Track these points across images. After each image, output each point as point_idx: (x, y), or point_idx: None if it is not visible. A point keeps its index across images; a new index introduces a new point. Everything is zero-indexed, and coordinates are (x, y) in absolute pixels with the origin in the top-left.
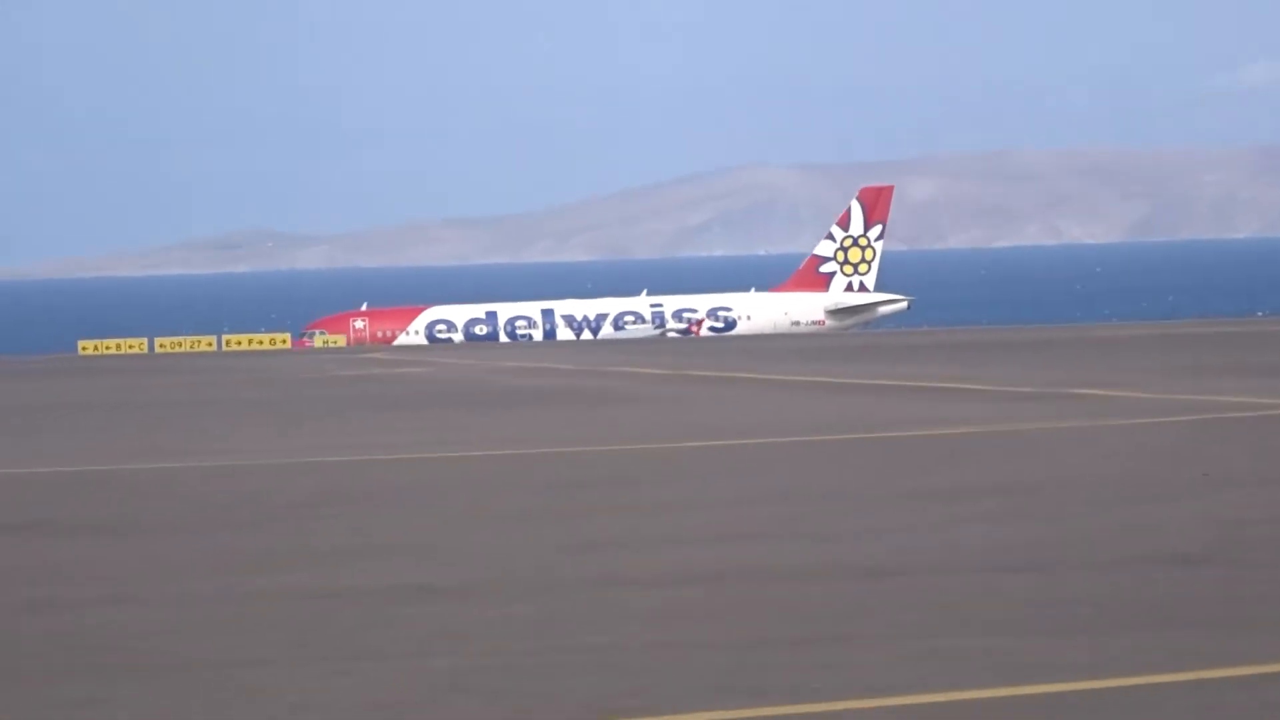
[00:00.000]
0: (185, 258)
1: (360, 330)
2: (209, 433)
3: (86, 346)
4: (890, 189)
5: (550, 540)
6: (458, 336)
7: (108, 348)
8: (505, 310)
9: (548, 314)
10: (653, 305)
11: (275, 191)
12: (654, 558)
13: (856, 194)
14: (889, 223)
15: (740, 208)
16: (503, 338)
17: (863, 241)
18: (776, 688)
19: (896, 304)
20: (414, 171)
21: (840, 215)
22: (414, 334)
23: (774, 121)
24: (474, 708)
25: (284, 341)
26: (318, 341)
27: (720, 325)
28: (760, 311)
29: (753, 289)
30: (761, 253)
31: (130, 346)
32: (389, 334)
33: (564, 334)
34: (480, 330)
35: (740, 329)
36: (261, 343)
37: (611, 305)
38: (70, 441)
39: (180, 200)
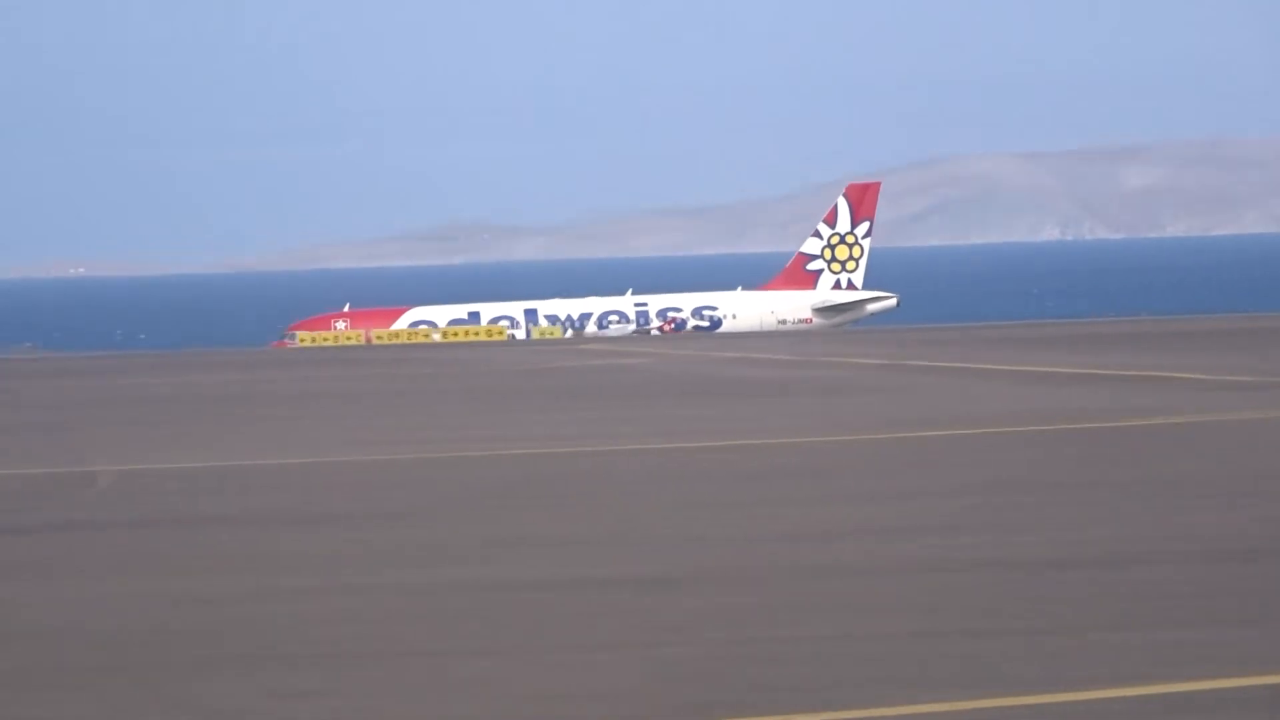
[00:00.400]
0: (403, 249)
1: (342, 331)
2: (438, 421)
3: (304, 338)
4: (877, 185)
5: (767, 529)
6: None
7: (325, 339)
8: (488, 310)
9: (531, 314)
10: (637, 305)
11: (494, 184)
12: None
13: (843, 190)
14: (875, 220)
15: (959, 196)
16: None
17: (850, 239)
18: (990, 679)
19: (885, 301)
20: (633, 162)
21: (827, 212)
22: None
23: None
24: (692, 697)
25: (500, 334)
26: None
27: (705, 324)
28: (746, 310)
29: (739, 288)
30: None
31: (347, 338)
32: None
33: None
34: None
35: (726, 328)
36: (478, 334)
37: (595, 305)
38: (284, 434)
39: (400, 192)
